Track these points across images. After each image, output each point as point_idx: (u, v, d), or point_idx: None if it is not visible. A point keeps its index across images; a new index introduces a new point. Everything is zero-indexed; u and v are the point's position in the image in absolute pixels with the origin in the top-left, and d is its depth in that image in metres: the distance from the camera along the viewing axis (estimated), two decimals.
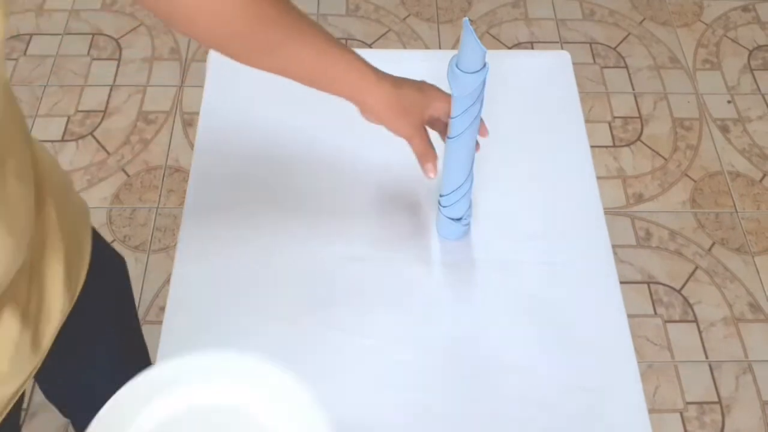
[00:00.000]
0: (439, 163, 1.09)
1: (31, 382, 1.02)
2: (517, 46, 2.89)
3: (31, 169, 0.91)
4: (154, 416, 0.84)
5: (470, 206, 1.20)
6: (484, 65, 1.00)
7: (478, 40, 0.96)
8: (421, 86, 1.03)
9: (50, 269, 1.00)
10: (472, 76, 1.00)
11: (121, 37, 2.87)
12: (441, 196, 1.17)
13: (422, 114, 1.03)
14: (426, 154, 1.05)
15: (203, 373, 0.85)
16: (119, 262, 1.30)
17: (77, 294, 1.06)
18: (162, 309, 1.74)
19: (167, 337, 1.12)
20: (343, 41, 2.83)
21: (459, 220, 1.20)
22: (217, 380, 0.85)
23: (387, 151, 1.17)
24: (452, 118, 1.05)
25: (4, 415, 0.97)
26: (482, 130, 1.10)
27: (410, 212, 1.26)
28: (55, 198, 1.01)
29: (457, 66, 1.00)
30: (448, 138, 1.08)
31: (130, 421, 0.83)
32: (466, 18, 0.95)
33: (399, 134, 1.04)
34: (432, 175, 1.06)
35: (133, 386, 0.83)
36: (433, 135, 1.09)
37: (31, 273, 0.96)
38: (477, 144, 1.11)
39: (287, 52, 0.94)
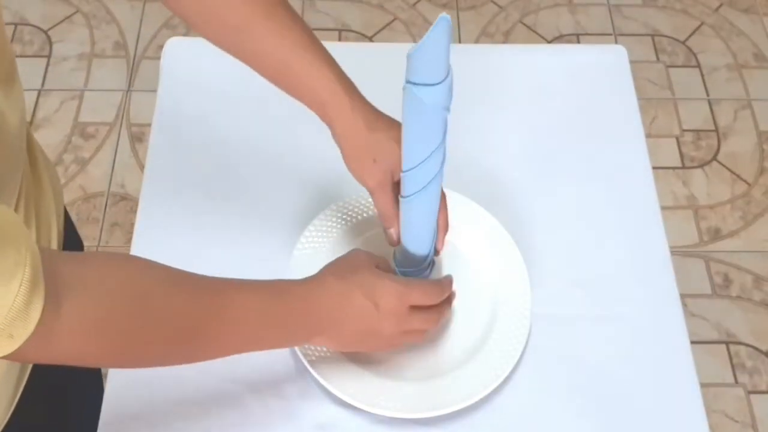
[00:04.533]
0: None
1: None
2: (559, 39, 2.91)
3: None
4: None
5: None
6: (447, 73, 0.91)
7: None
8: (397, 134, 1.02)
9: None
10: (432, 89, 0.91)
11: (52, 28, 2.90)
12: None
13: (392, 166, 1.04)
14: (389, 216, 1.08)
15: None
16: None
17: None
18: None
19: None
20: (337, 32, 2.85)
21: None
22: None
23: None
24: (405, 171, 1.00)
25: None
26: (441, 223, 1.10)
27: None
28: (47, 165, 1.17)
29: (410, 81, 0.92)
30: (403, 198, 1.04)
31: None
32: (446, 14, 0.87)
33: (361, 183, 1.07)
34: (394, 243, 1.10)
35: None
36: None
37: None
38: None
39: (253, 34, 1.03)
